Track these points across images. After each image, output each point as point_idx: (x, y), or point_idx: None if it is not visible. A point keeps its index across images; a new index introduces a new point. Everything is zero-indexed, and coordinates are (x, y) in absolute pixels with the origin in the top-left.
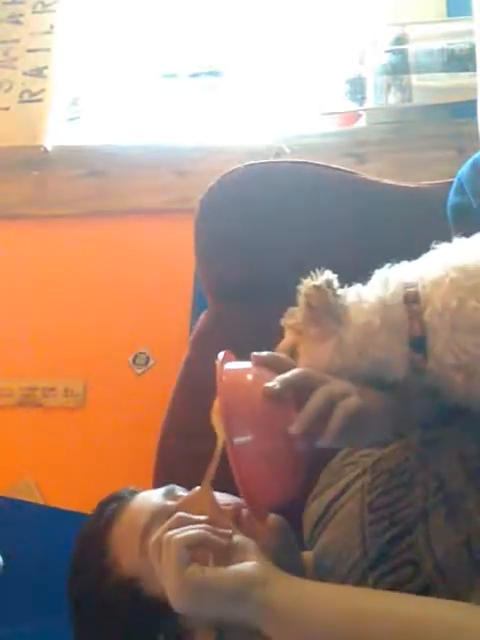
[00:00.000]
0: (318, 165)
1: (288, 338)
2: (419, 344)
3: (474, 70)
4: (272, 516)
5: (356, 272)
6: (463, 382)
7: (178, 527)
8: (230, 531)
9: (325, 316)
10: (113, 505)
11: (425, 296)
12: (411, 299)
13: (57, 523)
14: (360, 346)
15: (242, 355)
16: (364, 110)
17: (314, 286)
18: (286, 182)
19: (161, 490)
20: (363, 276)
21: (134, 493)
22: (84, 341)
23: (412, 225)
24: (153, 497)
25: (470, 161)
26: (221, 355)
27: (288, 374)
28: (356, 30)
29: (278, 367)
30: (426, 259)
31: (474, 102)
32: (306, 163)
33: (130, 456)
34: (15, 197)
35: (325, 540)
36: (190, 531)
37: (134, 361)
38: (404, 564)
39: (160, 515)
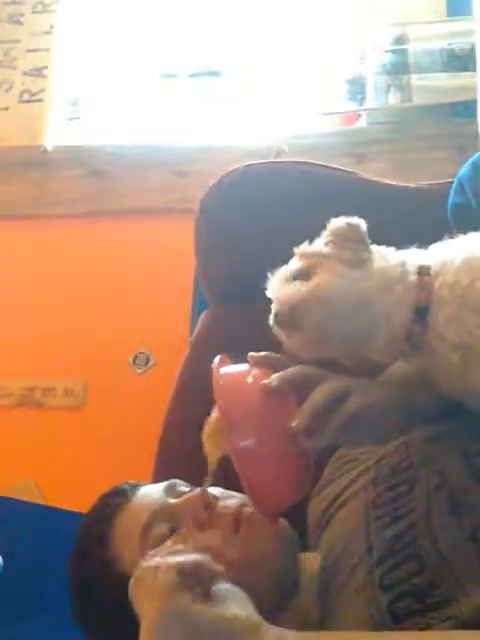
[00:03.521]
0: (318, 165)
1: (301, 263)
2: (422, 314)
3: (474, 70)
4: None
5: None
6: (460, 363)
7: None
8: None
9: (361, 243)
10: (115, 500)
11: (436, 271)
12: (424, 271)
13: (57, 523)
14: (382, 286)
15: (243, 355)
16: (364, 110)
17: (348, 223)
18: (286, 182)
19: (162, 485)
20: None
21: (135, 487)
22: (84, 341)
23: (412, 225)
24: (154, 494)
25: (470, 161)
26: (217, 359)
27: (287, 371)
28: (356, 30)
29: (276, 366)
30: (438, 246)
31: (474, 102)
32: (306, 163)
33: (130, 456)
34: (15, 197)
35: (330, 535)
36: (184, 557)
37: (134, 361)
38: (408, 558)
39: (160, 513)
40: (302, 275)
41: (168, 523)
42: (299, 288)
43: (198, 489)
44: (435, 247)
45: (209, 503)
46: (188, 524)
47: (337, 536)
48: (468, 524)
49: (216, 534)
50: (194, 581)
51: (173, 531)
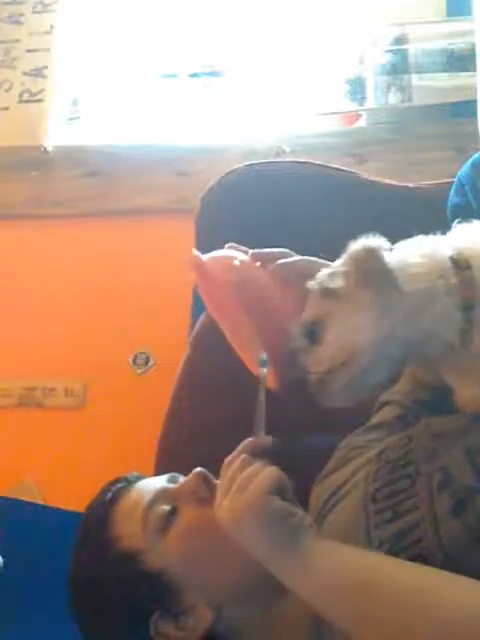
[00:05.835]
0: (318, 165)
1: (320, 305)
2: (468, 311)
3: (474, 70)
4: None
5: None
6: None
7: None
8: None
9: (381, 281)
10: (118, 485)
11: (477, 266)
12: (463, 265)
13: (57, 523)
14: (418, 311)
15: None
16: (364, 110)
17: (367, 249)
18: (286, 182)
19: (164, 476)
20: None
21: (139, 478)
22: (84, 341)
23: (412, 225)
24: (155, 481)
25: (470, 161)
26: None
27: (291, 259)
28: (356, 30)
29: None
30: (459, 232)
31: (474, 102)
32: (306, 163)
33: (130, 456)
34: (15, 197)
35: (329, 527)
36: (277, 472)
37: (134, 361)
38: (412, 559)
39: (162, 494)
40: (312, 330)
41: (170, 503)
42: (318, 354)
43: (196, 469)
44: (453, 234)
45: (208, 479)
46: (190, 503)
47: (336, 528)
48: (474, 525)
49: None
50: (280, 491)
51: (175, 510)
